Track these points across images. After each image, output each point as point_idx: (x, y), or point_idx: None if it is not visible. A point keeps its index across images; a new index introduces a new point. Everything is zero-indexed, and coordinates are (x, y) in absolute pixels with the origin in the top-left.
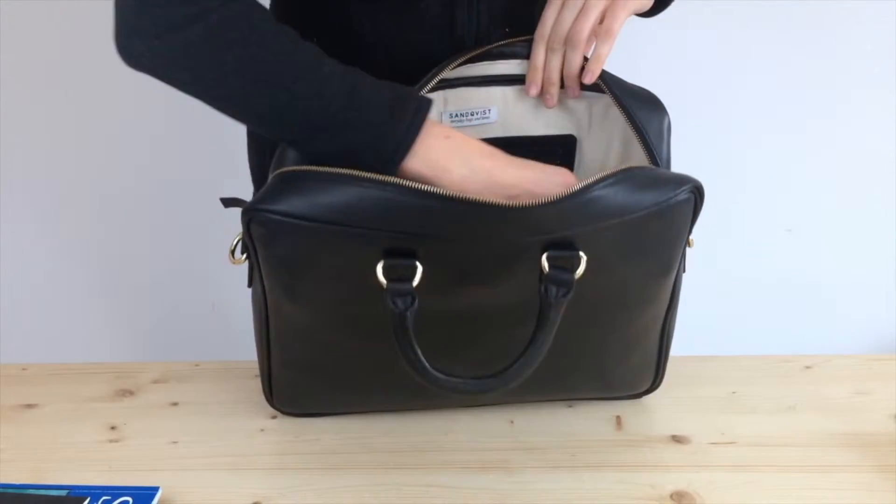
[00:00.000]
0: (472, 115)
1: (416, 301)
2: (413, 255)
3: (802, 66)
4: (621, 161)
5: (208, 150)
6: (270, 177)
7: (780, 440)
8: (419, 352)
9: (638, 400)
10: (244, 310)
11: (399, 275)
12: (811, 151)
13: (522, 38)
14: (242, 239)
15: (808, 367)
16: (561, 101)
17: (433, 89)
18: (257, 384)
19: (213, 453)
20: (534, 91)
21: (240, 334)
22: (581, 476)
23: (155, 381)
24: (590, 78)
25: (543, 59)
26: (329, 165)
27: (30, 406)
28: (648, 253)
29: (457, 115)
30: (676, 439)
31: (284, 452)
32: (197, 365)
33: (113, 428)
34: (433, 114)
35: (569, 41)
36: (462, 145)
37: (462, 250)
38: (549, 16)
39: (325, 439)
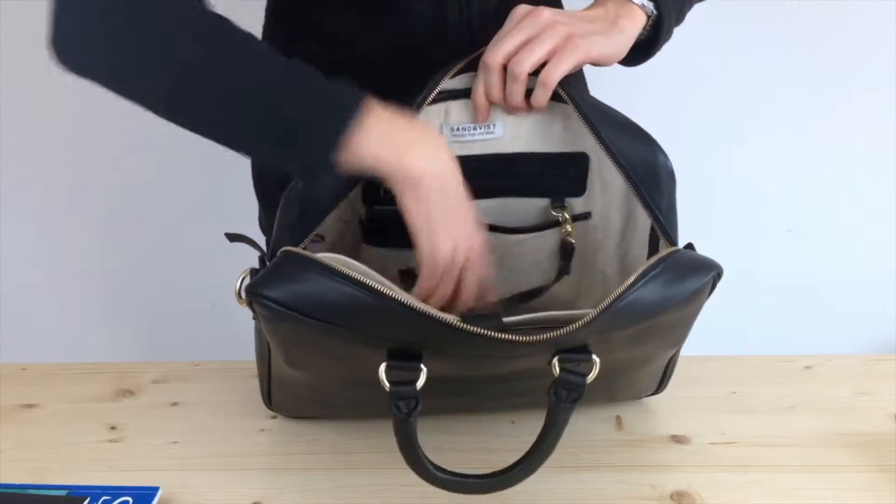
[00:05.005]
0: (474, 128)
1: (420, 404)
2: (418, 358)
3: (803, 66)
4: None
5: (209, 150)
6: (278, 253)
7: (780, 440)
8: (422, 454)
9: (638, 400)
10: (244, 310)
11: (403, 378)
12: (811, 151)
13: None
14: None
15: (808, 367)
16: (570, 116)
17: (435, 101)
18: (257, 384)
19: (213, 453)
20: (480, 119)
21: (240, 334)
22: (581, 476)
23: (155, 381)
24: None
25: (482, 83)
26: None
27: (30, 406)
28: (664, 336)
29: (458, 129)
30: (676, 439)
31: (284, 452)
32: (197, 365)
33: (113, 428)
34: (434, 124)
35: (509, 71)
36: (415, 125)
37: (468, 359)
38: (499, 33)
39: (324, 439)
